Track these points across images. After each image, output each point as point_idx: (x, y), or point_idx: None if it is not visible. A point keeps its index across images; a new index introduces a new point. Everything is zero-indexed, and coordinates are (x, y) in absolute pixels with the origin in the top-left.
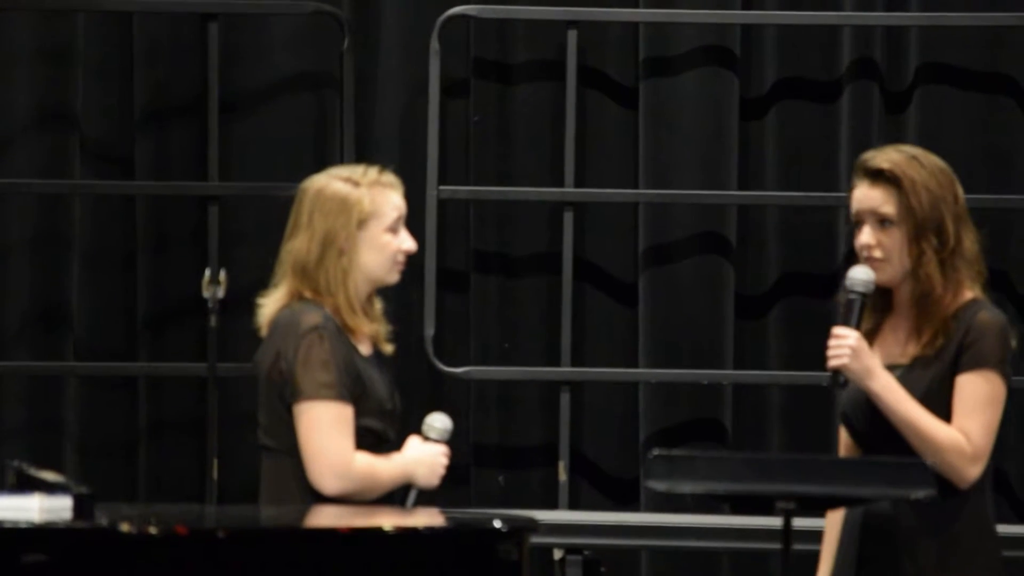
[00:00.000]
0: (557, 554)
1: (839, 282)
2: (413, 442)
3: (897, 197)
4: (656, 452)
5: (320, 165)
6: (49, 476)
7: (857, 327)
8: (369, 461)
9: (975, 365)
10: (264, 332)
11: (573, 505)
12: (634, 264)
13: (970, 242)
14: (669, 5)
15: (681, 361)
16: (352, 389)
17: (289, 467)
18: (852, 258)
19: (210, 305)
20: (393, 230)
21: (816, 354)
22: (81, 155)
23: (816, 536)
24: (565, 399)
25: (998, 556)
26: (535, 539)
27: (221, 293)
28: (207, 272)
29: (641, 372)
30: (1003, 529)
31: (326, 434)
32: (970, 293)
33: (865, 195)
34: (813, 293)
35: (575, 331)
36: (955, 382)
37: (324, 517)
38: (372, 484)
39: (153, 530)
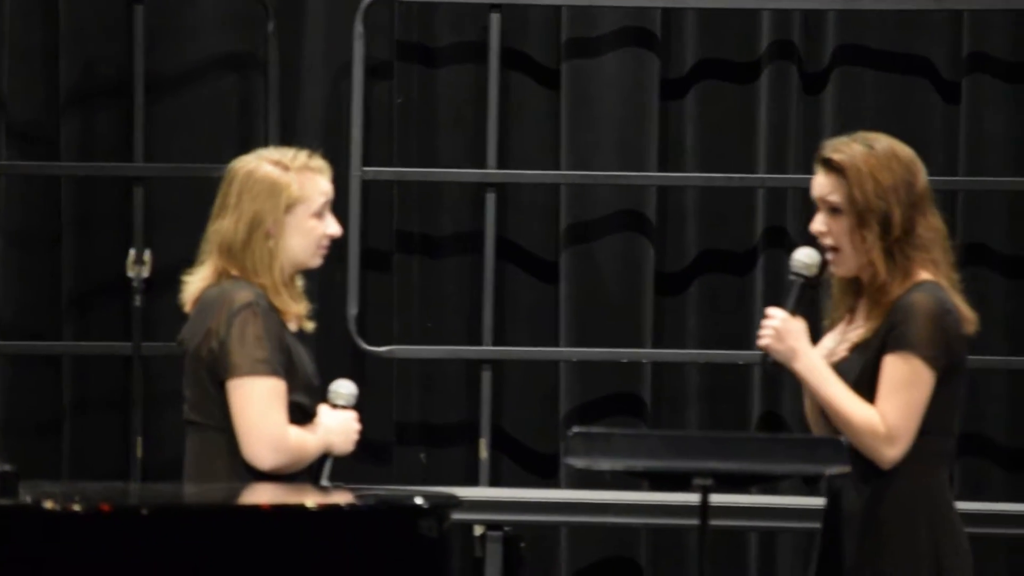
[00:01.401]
0: (478, 530)
1: (756, 261)
2: (323, 410)
3: (842, 186)
4: (575, 430)
5: (245, 146)
6: None
7: (795, 308)
8: (300, 434)
9: (896, 347)
10: (189, 309)
11: (494, 482)
12: (555, 243)
13: (926, 229)
14: None
15: (601, 339)
16: (285, 365)
17: (216, 442)
18: (769, 237)
19: (135, 285)
20: (319, 215)
21: (733, 332)
22: (6, 135)
23: (733, 512)
24: (486, 377)
25: (934, 538)
26: (456, 516)
27: (146, 273)
28: (132, 252)
29: (561, 351)
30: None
31: (262, 409)
32: (924, 275)
33: (817, 183)
34: (731, 271)
35: (497, 310)
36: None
37: (247, 494)
38: (303, 456)
39: (77, 507)
